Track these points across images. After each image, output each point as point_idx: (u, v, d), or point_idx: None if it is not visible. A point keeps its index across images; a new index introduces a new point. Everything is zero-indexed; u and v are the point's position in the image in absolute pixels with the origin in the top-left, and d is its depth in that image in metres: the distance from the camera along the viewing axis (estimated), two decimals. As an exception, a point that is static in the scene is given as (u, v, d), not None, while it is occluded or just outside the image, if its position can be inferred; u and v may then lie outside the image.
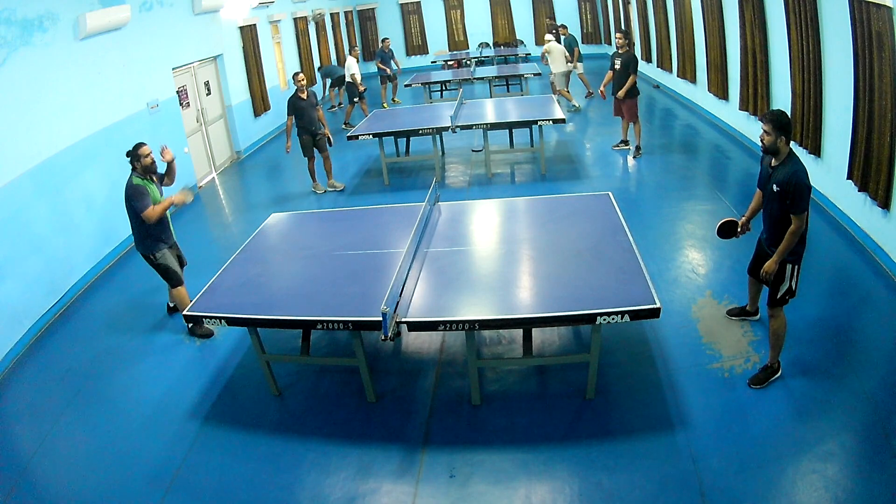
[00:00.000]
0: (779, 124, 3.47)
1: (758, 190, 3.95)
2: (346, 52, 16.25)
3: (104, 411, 4.24)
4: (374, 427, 3.83)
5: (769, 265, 3.63)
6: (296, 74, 7.80)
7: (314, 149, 7.96)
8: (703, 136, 9.33)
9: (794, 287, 3.66)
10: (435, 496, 3.29)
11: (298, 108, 7.63)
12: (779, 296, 3.67)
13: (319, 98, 7.84)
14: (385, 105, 13.07)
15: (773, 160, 3.63)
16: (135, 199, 4.56)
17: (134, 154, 4.66)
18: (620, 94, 8.07)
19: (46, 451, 3.92)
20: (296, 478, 3.48)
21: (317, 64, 15.15)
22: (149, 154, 4.66)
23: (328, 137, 7.99)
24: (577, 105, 11.62)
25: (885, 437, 3.31)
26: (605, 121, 10.47)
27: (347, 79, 11.51)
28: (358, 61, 11.66)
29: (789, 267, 3.61)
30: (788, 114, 6.64)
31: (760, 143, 3.60)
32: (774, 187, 3.54)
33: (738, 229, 4.06)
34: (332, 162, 8.25)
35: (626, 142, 8.81)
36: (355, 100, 11.68)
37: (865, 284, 4.89)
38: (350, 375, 4.24)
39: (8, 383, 4.73)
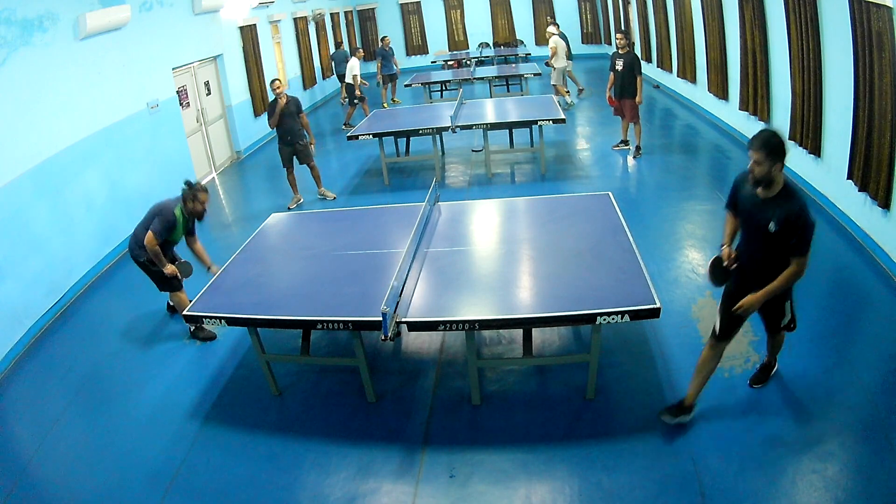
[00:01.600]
0: (771, 149, 2.82)
1: (728, 212, 3.36)
2: (348, 52, 16.24)
3: (104, 411, 4.25)
4: (374, 427, 3.83)
5: (750, 300, 3.06)
6: (273, 81, 7.26)
7: (293, 159, 7.47)
8: (703, 136, 9.34)
9: (794, 316, 3.41)
10: (435, 496, 3.28)
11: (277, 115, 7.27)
12: (781, 327, 3.45)
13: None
14: (385, 105, 13.07)
15: (761, 189, 2.97)
16: (159, 220, 4.51)
17: (192, 194, 4.56)
18: (639, 98, 8.05)
19: (46, 451, 3.92)
20: (296, 478, 3.48)
21: (317, 64, 15.14)
22: (205, 202, 4.63)
23: (311, 145, 7.53)
24: (570, 101, 11.67)
25: (885, 437, 3.31)
26: (605, 121, 10.47)
27: (348, 80, 11.52)
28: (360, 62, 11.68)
29: (788, 304, 3.31)
30: (788, 114, 6.69)
31: (750, 175, 2.94)
32: (772, 226, 2.91)
33: (726, 264, 3.31)
34: (333, 163, 8.20)
35: (626, 142, 8.81)
36: (356, 101, 11.68)
37: (865, 284, 4.89)
38: (350, 375, 4.24)
39: (8, 383, 4.73)
